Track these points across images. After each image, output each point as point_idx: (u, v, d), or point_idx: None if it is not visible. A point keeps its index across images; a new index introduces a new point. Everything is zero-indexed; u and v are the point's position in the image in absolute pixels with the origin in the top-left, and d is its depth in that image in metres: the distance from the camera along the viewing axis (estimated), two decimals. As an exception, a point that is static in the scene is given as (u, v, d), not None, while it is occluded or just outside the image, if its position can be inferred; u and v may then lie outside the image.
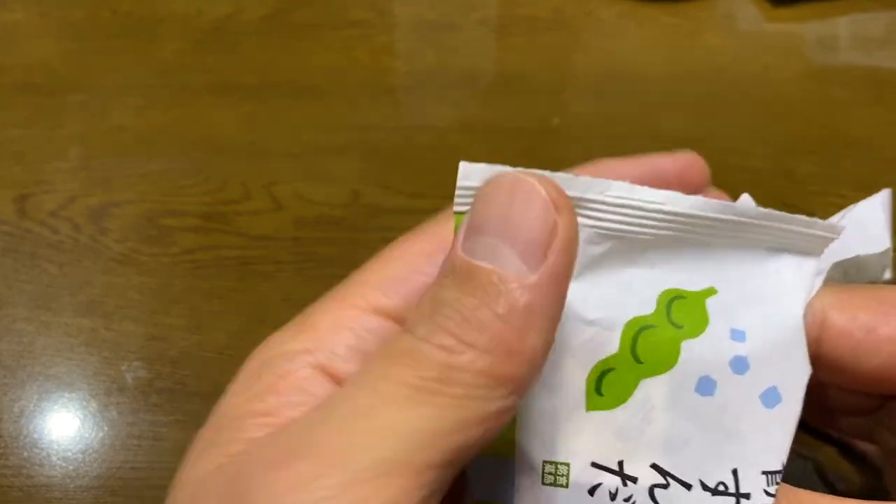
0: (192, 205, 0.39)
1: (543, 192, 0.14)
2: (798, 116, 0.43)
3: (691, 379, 0.17)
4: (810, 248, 0.18)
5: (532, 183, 0.14)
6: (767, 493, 0.17)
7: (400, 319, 0.18)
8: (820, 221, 0.18)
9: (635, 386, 0.17)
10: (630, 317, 0.17)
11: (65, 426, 0.31)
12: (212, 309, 0.34)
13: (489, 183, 0.15)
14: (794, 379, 0.17)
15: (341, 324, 0.17)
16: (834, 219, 0.21)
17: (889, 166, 0.40)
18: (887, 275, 0.20)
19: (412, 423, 0.13)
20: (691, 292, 0.17)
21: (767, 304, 0.18)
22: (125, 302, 0.34)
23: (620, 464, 0.17)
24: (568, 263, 0.14)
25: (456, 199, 0.16)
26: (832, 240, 0.18)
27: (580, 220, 0.16)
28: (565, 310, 0.16)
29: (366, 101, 0.44)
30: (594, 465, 0.17)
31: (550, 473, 0.17)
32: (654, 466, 0.17)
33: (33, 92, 0.45)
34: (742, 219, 0.17)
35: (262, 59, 0.47)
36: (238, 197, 0.39)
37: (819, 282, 0.18)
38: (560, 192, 0.14)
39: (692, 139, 0.42)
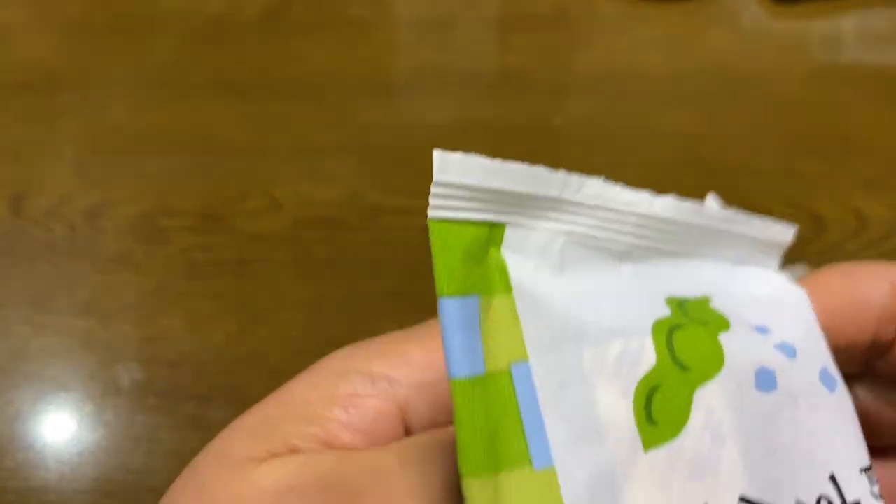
0: (189, 204, 0.38)
1: None
2: (803, 115, 0.43)
3: (748, 374, 0.14)
4: (770, 258, 0.17)
5: None
6: (876, 496, 0.14)
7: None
8: (775, 225, 0.17)
9: (692, 400, 0.13)
10: (653, 319, 0.14)
11: (61, 428, 0.30)
12: (209, 310, 0.34)
13: None
14: (830, 360, 0.15)
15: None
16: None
17: None
18: None
19: None
20: (692, 298, 0.15)
21: (767, 304, 0.16)
22: (121, 302, 0.34)
23: None
24: None
25: (431, 200, 0.13)
26: (787, 243, 0.17)
27: (554, 224, 0.14)
28: (576, 329, 0.13)
29: (365, 100, 0.44)
30: None
31: None
32: (744, 500, 0.13)
33: (28, 90, 0.45)
34: (710, 224, 0.16)
35: (260, 56, 0.47)
36: (235, 196, 0.39)
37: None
38: None
39: (696, 138, 0.42)
